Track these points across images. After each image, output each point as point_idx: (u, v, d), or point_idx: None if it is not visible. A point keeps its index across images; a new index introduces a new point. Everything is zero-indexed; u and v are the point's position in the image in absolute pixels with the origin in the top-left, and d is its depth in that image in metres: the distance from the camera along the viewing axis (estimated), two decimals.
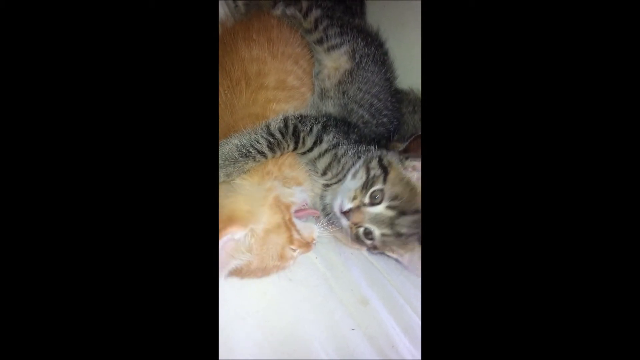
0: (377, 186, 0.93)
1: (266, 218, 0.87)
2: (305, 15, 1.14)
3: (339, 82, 1.12)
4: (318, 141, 1.00)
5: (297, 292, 1.04)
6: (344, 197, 0.96)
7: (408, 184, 0.94)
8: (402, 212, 0.93)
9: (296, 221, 0.93)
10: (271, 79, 1.01)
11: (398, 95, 1.25)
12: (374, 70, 1.15)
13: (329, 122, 1.03)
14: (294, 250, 0.91)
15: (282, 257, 0.89)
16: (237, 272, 0.88)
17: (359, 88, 1.11)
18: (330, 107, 1.10)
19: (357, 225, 0.96)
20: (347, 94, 1.10)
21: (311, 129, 0.99)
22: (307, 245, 0.94)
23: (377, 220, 0.94)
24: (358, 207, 0.94)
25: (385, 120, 1.13)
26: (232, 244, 0.82)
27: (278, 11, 1.15)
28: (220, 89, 1.02)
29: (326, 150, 1.00)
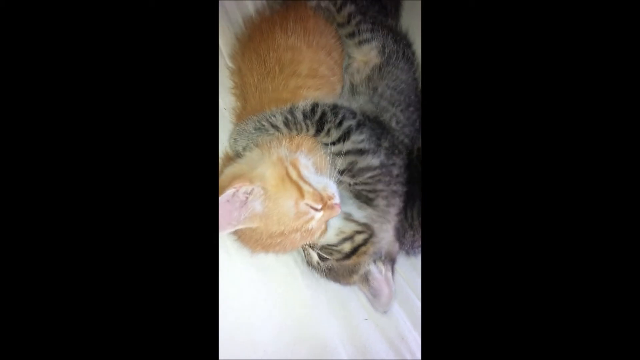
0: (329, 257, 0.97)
1: (269, 173, 0.86)
2: (339, 10, 1.16)
3: (368, 77, 1.12)
4: (344, 137, 0.95)
5: (313, 279, 1.05)
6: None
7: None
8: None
9: (309, 176, 0.90)
10: (304, 66, 1.03)
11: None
12: (403, 68, 1.15)
13: (364, 122, 0.98)
14: (311, 207, 0.87)
15: (298, 215, 0.86)
16: (258, 242, 0.89)
17: (387, 85, 1.11)
18: (362, 104, 1.08)
19: None
20: (377, 91, 1.09)
21: (341, 122, 0.95)
22: (322, 201, 0.87)
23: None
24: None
25: (414, 117, 1.13)
26: (240, 198, 0.83)
27: (313, 3, 1.17)
28: (254, 74, 1.04)
29: (348, 152, 0.95)
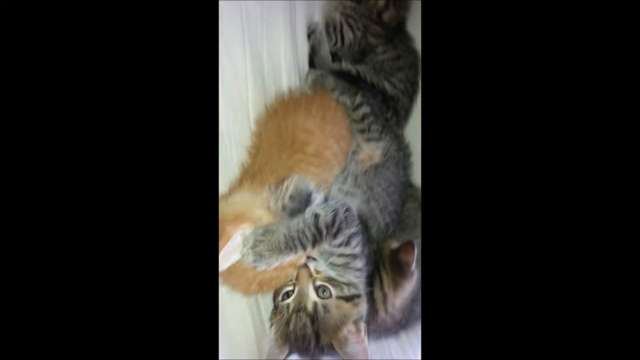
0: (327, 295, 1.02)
1: (265, 219, 1.01)
2: (355, 109, 1.31)
3: (366, 172, 1.27)
4: (346, 242, 1.03)
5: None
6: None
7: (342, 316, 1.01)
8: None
9: None
10: (311, 147, 1.17)
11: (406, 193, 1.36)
12: (397, 173, 1.30)
13: (358, 231, 1.05)
14: None
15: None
16: (255, 279, 0.98)
17: (380, 185, 1.25)
18: (360, 204, 1.18)
19: None
20: (373, 191, 1.22)
21: (349, 229, 1.02)
22: None
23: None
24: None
25: (393, 223, 1.26)
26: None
27: (334, 95, 1.32)
28: (268, 141, 1.19)
29: (343, 255, 1.03)
